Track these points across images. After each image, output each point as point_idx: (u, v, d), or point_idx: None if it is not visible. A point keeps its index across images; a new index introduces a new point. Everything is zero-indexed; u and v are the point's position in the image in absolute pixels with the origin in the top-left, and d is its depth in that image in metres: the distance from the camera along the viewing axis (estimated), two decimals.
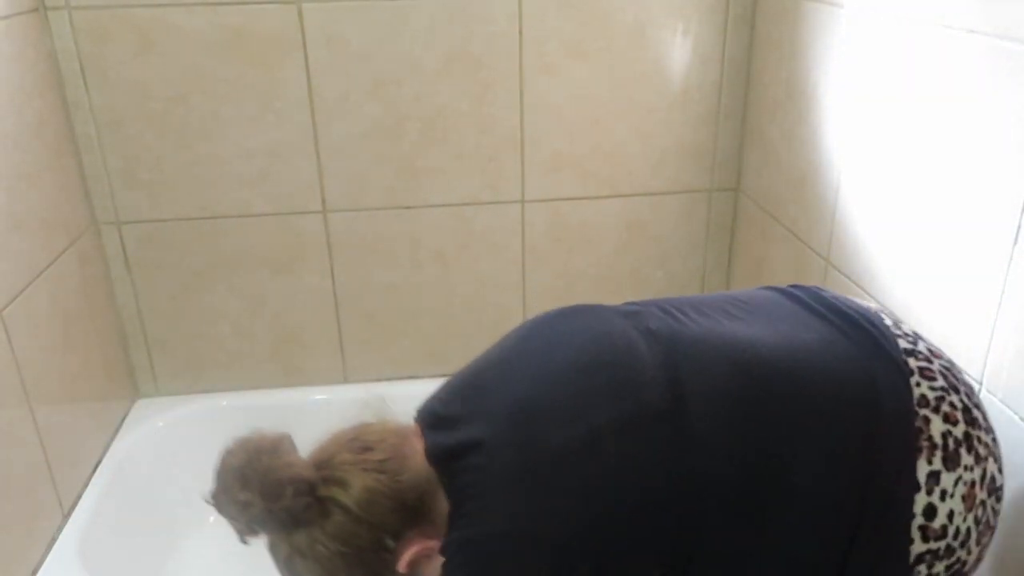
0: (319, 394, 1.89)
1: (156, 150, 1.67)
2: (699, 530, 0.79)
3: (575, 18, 1.67)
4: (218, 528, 1.81)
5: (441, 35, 1.65)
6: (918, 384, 0.83)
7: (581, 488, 0.78)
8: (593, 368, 0.83)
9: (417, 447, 0.88)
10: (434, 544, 0.84)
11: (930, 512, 0.80)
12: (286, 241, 1.78)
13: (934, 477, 0.80)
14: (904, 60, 1.20)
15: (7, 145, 1.38)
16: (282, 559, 0.88)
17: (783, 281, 1.67)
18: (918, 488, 0.80)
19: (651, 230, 1.88)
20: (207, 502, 0.86)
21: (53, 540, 1.45)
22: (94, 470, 1.63)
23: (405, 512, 0.84)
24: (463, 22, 1.64)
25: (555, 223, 1.84)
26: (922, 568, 0.81)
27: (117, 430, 1.76)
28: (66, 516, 1.50)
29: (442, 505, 0.84)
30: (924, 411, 0.82)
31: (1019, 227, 0.98)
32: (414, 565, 0.85)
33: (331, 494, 0.84)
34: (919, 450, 0.80)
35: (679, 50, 1.72)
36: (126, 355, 1.83)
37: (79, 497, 1.55)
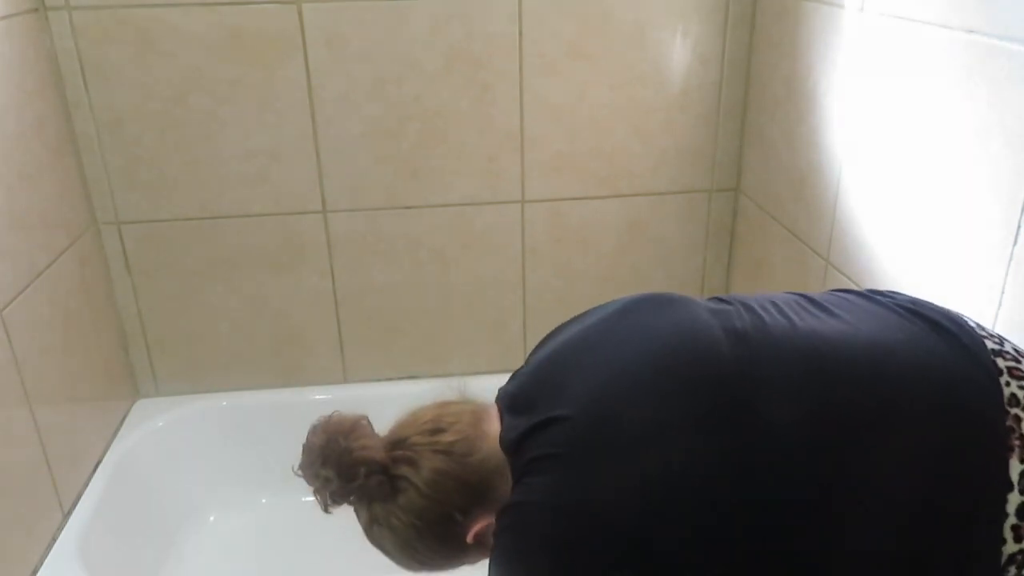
0: (319, 394, 1.89)
1: (156, 150, 1.67)
2: (764, 535, 0.79)
3: (575, 18, 1.66)
4: (218, 528, 1.83)
5: (441, 35, 1.65)
6: (1007, 383, 0.81)
7: (644, 477, 0.79)
8: (674, 366, 0.85)
9: (492, 428, 0.92)
10: None
11: None
12: (286, 241, 1.78)
13: None
14: (904, 60, 1.20)
15: (7, 145, 1.38)
16: (363, 526, 0.96)
17: (783, 281, 1.68)
18: (1011, 487, 0.77)
19: (651, 230, 1.88)
20: (296, 474, 0.93)
21: (53, 540, 1.45)
22: (94, 470, 1.63)
23: (470, 491, 0.91)
24: (463, 22, 1.64)
25: (555, 223, 1.84)
26: (1012, 569, 0.79)
27: (117, 430, 1.76)
28: (66, 516, 1.50)
29: (508, 485, 0.88)
30: (1015, 410, 0.80)
31: (1019, 227, 0.98)
32: (481, 536, 0.91)
33: (402, 473, 0.91)
34: (1011, 449, 0.78)
35: (679, 50, 1.72)
36: (126, 355, 1.83)
37: (79, 497, 1.55)
